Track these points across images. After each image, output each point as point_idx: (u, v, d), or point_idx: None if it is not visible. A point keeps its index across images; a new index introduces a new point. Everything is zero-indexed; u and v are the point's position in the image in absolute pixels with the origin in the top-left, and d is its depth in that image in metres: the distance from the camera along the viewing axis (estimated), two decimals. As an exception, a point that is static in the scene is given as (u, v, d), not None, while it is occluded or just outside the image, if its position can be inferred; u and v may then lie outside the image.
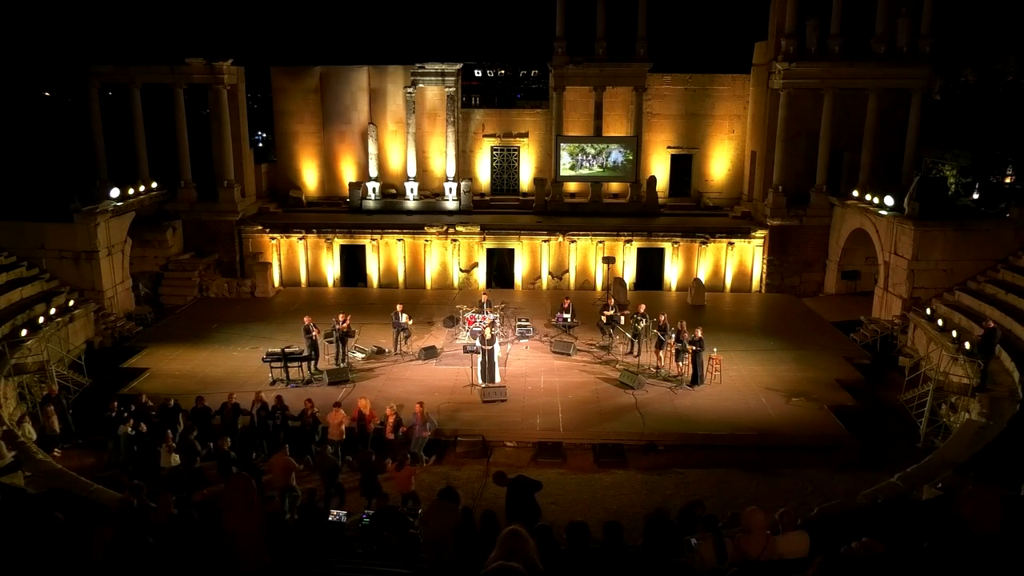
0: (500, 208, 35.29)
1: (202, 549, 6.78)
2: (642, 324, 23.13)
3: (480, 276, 32.60)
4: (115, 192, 28.79)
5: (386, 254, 32.68)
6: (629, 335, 23.57)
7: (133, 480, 15.09)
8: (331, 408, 17.89)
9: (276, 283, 32.15)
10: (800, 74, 30.87)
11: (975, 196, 37.89)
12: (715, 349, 21.97)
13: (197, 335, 25.81)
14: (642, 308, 23.86)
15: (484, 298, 25.48)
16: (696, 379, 21.35)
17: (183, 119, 32.37)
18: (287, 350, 21.70)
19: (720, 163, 36.66)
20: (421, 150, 35.77)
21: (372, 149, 35.08)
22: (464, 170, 36.04)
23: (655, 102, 35.82)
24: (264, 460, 16.79)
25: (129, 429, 17.00)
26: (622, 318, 24.12)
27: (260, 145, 48.48)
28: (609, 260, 30.58)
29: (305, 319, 22.86)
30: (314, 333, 22.35)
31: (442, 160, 35.75)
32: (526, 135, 36.91)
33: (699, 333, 21.31)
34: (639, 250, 32.16)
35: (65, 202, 26.18)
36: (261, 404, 18.20)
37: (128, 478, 16.04)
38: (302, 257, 32.62)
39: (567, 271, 32.39)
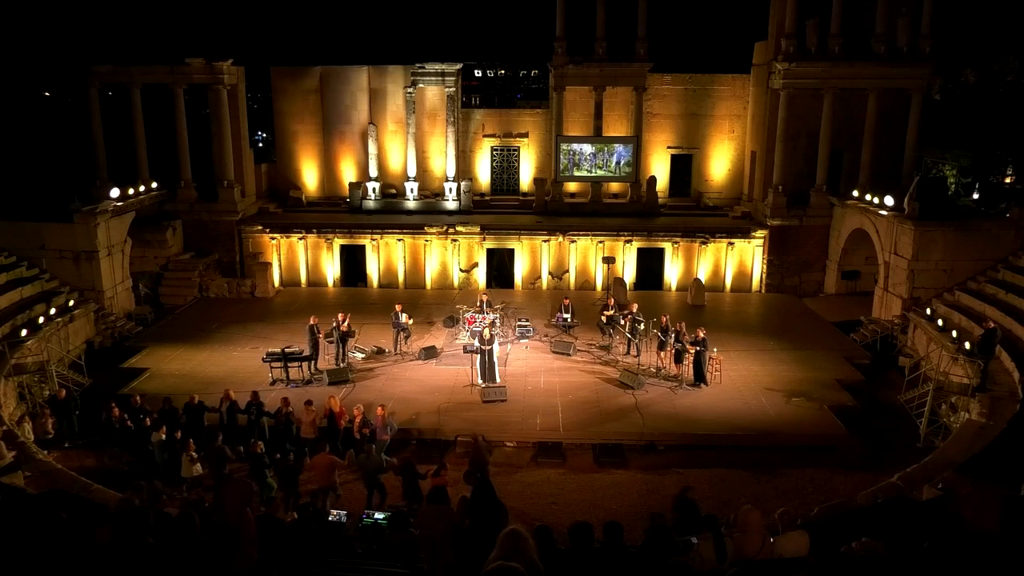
0: (500, 208, 35.29)
1: (201, 549, 6.78)
2: (641, 326, 23.11)
3: (480, 276, 32.59)
4: (115, 192, 28.80)
5: (386, 254, 32.68)
6: (628, 335, 23.58)
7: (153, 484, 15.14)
8: (303, 406, 17.88)
9: (276, 283, 32.15)
10: (800, 74, 30.87)
11: (975, 196, 37.90)
12: (715, 349, 21.96)
13: (197, 335, 25.81)
14: (634, 307, 23.87)
15: (484, 298, 25.47)
16: (699, 379, 21.35)
17: (183, 119, 32.37)
18: (287, 350, 21.70)
19: (720, 163, 36.66)
20: (421, 150, 35.77)
21: (372, 149, 35.08)
22: (464, 170, 36.05)
23: (655, 102, 35.82)
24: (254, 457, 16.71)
25: (163, 436, 16.71)
26: (622, 318, 24.12)
27: (260, 145, 48.47)
28: (609, 260, 30.59)
29: (311, 319, 22.86)
30: (319, 334, 22.38)
31: (442, 160, 35.76)
32: (526, 135, 36.91)
33: (701, 333, 21.30)
34: (639, 250, 32.16)
35: (65, 202, 26.16)
36: (231, 402, 18.16)
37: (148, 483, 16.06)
38: (302, 257, 32.62)
39: (567, 271, 32.39)
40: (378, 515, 12.10)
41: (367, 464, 15.54)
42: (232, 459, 16.45)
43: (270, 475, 15.57)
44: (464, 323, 24.67)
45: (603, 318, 24.89)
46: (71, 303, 24.66)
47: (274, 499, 15.27)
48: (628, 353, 23.56)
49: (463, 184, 34.70)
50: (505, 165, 37.48)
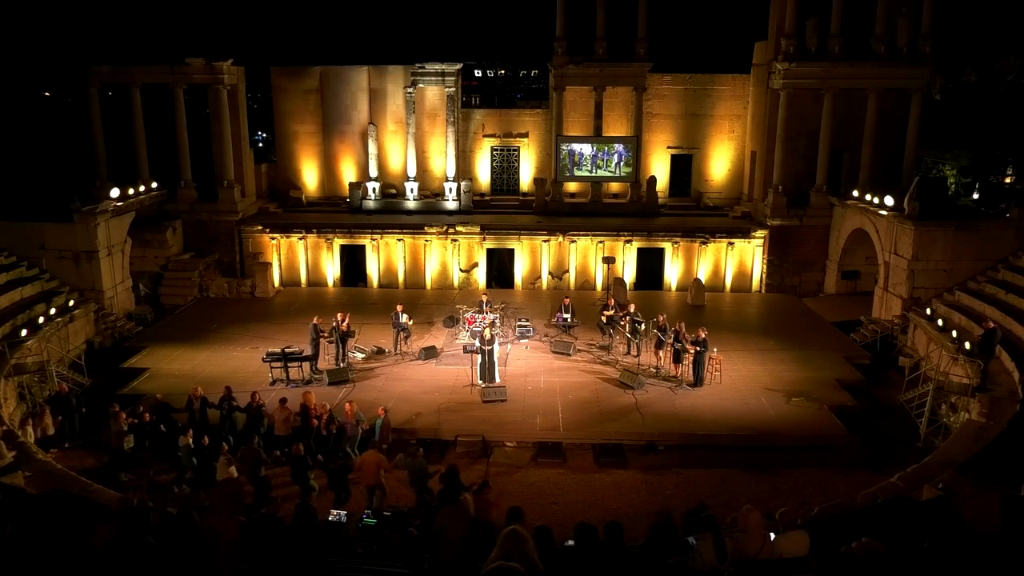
0: (500, 208, 35.29)
1: (201, 550, 6.78)
2: (641, 326, 23.11)
3: (480, 276, 32.59)
4: (115, 192, 28.79)
5: (386, 254, 32.68)
6: (628, 335, 23.57)
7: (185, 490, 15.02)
8: (277, 404, 18.07)
9: (276, 283, 32.14)
10: (800, 74, 30.87)
11: (975, 196, 37.89)
12: (715, 349, 21.95)
13: (197, 335, 25.80)
14: (631, 308, 23.88)
15: (484, 298, 25.47)
16: (697, 380, 21.35)
17: (183, 119, 32.38)
18: (287, 350, 21.70)
19: (720, 163, 36.66)
20: (421, 150, 35.77)
21: (372, 149, 35.08)
22: (464, 170, 36.04)
23: (655, 102, 35.82)
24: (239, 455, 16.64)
25: (190, 441, 16.57)
26: (622, 318, 24.11)
27: (260, 145, 48.47)
28: (609, 260, 30.58)
29: (315, 319, 22.86)
30: (321, 334, 22.41)
31: (442, 160, 35.76)
32: (526, 135, 36.91)
33: (702, 334, 21.28)
34: (639, 250, 32.16)
35: (65, 202, 26.15)
36: (202, 398, 18.35)
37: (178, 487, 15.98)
38: (302, 257, 32.62)
39: (567, 271, 32.39)
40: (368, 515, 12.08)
41: (412, 466, 15.22)
42: (267, 461, 16.40)
43: (312, 476, 15.55)
44: (464, 323, 24.67)
45: (603, 318, 24.88)
46: (71, 303, 24.65)
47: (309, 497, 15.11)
48: (628, 353, 23.56)
49: (463, 184, 34.69)
50: (505, 165, 37.48)
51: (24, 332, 21.68)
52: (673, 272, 32.17)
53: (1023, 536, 5.77)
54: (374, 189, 34.90)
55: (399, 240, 32.41)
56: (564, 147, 34.49)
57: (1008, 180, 39.77)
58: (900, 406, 20.58)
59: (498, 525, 9.58)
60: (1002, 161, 39.66)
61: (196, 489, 15.84)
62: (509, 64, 54.43)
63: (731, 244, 32.05)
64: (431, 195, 35.52)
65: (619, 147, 34.42)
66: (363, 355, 23.86)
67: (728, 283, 32.26)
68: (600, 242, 31.91)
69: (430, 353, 23.58)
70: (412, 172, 34.96)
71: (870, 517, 12.19)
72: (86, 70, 31.11)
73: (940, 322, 22.68)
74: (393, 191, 35.71)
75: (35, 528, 5.91)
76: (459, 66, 34.70)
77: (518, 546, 5.38)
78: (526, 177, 37.06)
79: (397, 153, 36.20)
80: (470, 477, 16.98)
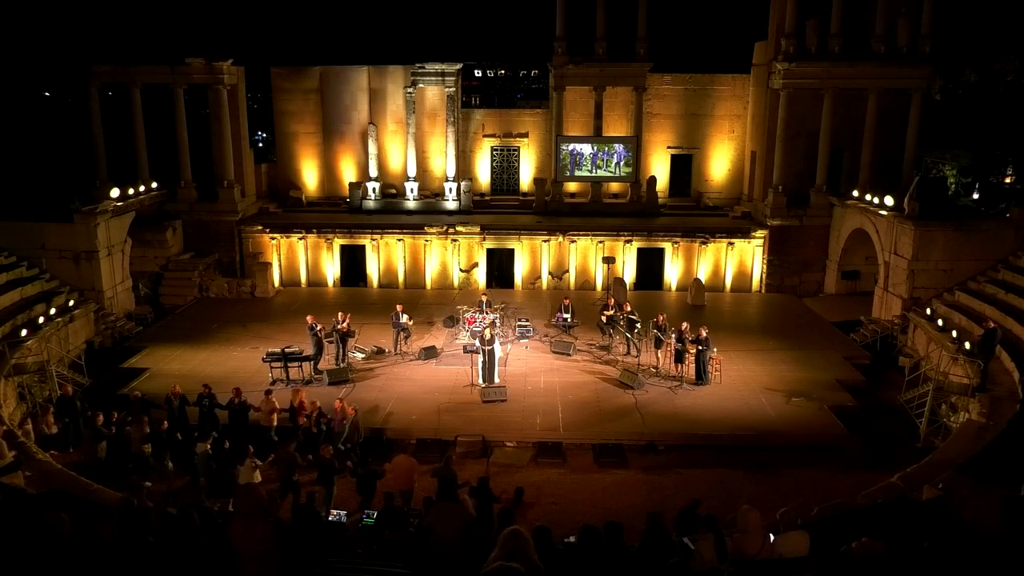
0: (500, 208, 35.28)
1: (201, 550, 6.79)
2: (638, 325, 23.13)
3: (480, 276, 32.59)
4: (115, 192, 28.80)
5: (386, 254, 32.68)
6: (626, 335, 23.59)
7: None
8: (263, 396, 18.16)
9: (276, 283, 32.14)
10: (800, 74, 30.87)
11: (975, 196, 37.93)
12: (715, 349, 21.97)
13: (197, 335, 25.80)
14: (627, 307, 23.90)
15: (484, 298, 25.48)
16: (700, 377, 21.38)
17: (183, 119, 32.38)
18: (287, 350, 21.70)
19: (720, 163, 36.66)
20: (421, 150, 35.77)
21: (372, 149, 35.08)
22: (464, 170, 36.04)
23: (655, 102, 35.82)
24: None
25: (208, 447, 16.32)
26: (622, 318, 24.13)
27: (260, 145, 48.48)
28: (609, 260, 30.59)
29: (308, 318, 22.85)
30: (319, 328, 22.37)
31: (442, 160, 35.76)
32: (526, 135, 36.91)
33: (704, 332, 21.31)
34: (639, 250, 32.16)
35: (65, 202, 26.15)
36: (181, 396, 18.35)
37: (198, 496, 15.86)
38: (302, 257, 32.62)
39: (567, 271, 32.39)
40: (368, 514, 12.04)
41: (442, 475, 14.87)
42: (303, 465, 16.26)
43: (337, 483, 15.44)
44: (464, 323, 24.68)
45: (603, 318, 24.89)
46: (71, 303, 24.64)
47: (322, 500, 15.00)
48: (628, 353, 23.57)
49: (463, 184, 34.69)
50: (505, 165, 37.48)
51: (24, 332, 21.67)
52: (673, 272, 32.17)
53: (1023, 536, 5.78)
54: (374, 189, 34.90)
55: (399, 240, 32.42)
56: (564, 147, 34.49)
57: (1008, 180, 39.80)
58: (900, 406, 20.58)
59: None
60: (1002, 161, 39.69)
61: (212, 495, 15.75)
62: (509, 64, 54.39)
63: (731, 244, 32.05)
64: (431, 195, 35.52)
65: (619, 147, 34.42)
66: (363, 355, 23.86)
67: (728, 283, 32.26)
68: (600, 242, 31.91)
69: (430, 353, 23.59)
70: (412, 172, 34.96)
71: (870, 517, 12.19)
72: (86, 70, 31.10)
73: (940, 322, 22.68)
74: (393, 191, 35.71)
75: (35, 528, 5.92)
76: (459, 66, 34.70)
77: (518, 546, 5.38)
78: (526, 177, 37.07)
79: (397, 153, 36.20)
80: (472, 477, 17.00)
